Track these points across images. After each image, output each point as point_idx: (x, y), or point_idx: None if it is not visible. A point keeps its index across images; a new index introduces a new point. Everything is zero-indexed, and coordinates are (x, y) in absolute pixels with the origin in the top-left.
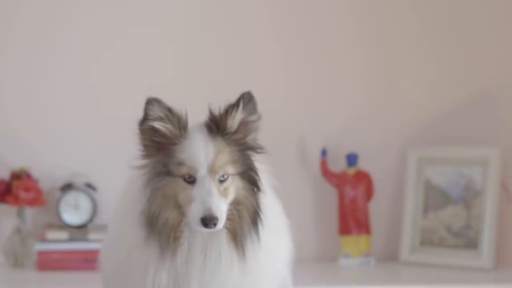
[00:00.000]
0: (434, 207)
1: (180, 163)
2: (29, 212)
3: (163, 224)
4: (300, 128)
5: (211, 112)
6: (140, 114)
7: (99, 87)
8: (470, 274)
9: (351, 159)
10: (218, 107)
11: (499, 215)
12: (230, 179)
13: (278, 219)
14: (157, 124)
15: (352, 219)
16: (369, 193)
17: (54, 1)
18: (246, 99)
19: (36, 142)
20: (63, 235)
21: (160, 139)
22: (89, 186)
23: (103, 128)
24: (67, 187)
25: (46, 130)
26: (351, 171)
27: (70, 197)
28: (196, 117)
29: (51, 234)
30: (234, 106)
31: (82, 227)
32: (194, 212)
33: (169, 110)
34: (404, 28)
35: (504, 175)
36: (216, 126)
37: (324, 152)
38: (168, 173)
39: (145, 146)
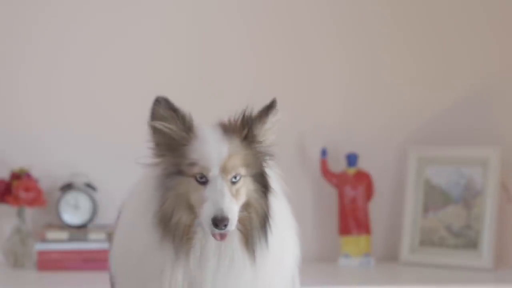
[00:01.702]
0: (434, 207)
1: (193, 163)
2: (29, 212)
3: (175, 224)
4: (300, 128)
5: (244, 118)
6: (140, 114)
7: (99, 87)
8: (470, 274)
9: (351, 159)
10: (248, 112)
11: (499, 215)
12: (242, 180)
13: (286, 222)
14: (158, 124)
15: (352, 219)
16: (369, 193)
17: (55, 0)
18: (273, 107)
19: (36, 142)
20: (63, 235)
21: (167, 140)
22: (89, 186)
23: (103, 128)
24: (67, 187)
25: (46, 130)
26: (351, 171)
27: (70, 197)
28: (197, 117)
29: (51, 234)
30: (265, 113)
31: (82, 227)
32: (206, 213)
33: (174, 110)
34: (404, 27)
35: (504, 175)
36: (248, 131)
37: (324, 152)
38: (180, 172)
39: (156, 144)
